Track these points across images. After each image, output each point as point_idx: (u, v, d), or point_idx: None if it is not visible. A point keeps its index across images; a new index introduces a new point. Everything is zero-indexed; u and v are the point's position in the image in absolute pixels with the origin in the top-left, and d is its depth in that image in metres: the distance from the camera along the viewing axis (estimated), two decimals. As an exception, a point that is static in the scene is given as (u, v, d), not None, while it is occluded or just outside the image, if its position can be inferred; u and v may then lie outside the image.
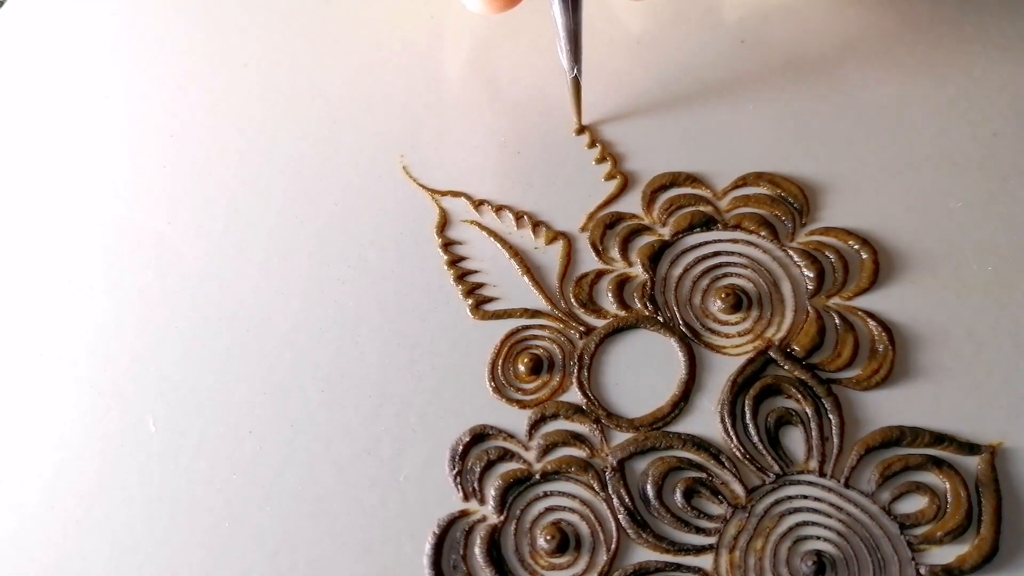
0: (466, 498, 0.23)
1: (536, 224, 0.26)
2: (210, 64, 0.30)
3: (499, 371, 0.24)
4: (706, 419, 0.23)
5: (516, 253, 0.26)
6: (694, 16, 0.29)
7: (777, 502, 0.22)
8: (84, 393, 0.25)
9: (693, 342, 0.24)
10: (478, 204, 0.26)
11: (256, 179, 0.27)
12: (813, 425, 0.23)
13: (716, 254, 0.25)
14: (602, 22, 0.30)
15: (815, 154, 0.26)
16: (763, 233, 0.25)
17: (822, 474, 0.22)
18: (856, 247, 0.25)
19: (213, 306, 0.26)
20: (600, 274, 0.25)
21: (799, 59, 0.28)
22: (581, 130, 0.27)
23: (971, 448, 0.22)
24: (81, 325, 0.26)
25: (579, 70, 0.25)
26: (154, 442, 0.24)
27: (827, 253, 0.25)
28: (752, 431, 0.23)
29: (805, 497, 0.22)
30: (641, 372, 0.24)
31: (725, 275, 0.25)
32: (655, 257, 0.25)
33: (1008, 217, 0.25)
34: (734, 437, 0.23)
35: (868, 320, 0.24)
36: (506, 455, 0.23)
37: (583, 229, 0.26)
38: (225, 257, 0.26)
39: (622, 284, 0.25)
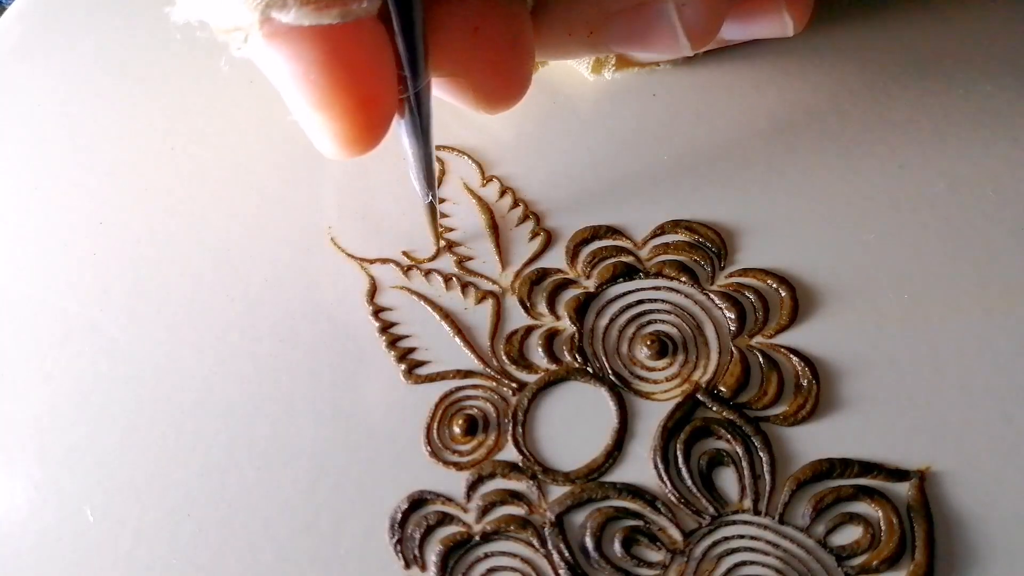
0: (407, 566, 0.23)
1: (465, 285, 0.27)
2: (137, 149, 0.30)
3: (435, 434, 0.24)
4: (640, 466, 0.24)
5: (447, 315, 0.26)
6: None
7: (715, 544, 0.22)
8: (20, 488, 0.25)
9: (623, 390, 0.24)
10: (407, 269, 0.27)
11: (187, 261, 0.28)
12: (744, 464, 0.23)
13: (640, 302, 0.26)
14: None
15: (729, 199, 0.27)
16: (684, 279, 0.26)
17: (757, 512, 0.23)
18: (775, 286, 0.26)
19: (147, 390, 0.26)
20: (530, 329, 0.26)
21: (708, 108, 0.29)
22: (438, 251, 0.27)
23: (900, 475, 0.23)
24: (15, 418, 0.26)
25: (434, 196, 0.25)
26: (92, 532, 0.24)
27: (747, 293, 0.26)
28: (685, 474, 0.23)
29: (742, 537, 0.22)
30: (574, 424, 0.24)
31: (650, 322, 0.25)
32: (581, 309, 0.26)
33: (919, 246, 0.26)
34: (668, 482, 0.23)
35: (791, 356, 0.25)
36: (445, 519, 0.23)
37: (511, 287, 0.26)
38: (158, 341, 0.26)
39: (551, 338, 0.25)
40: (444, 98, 0.25)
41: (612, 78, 0.30)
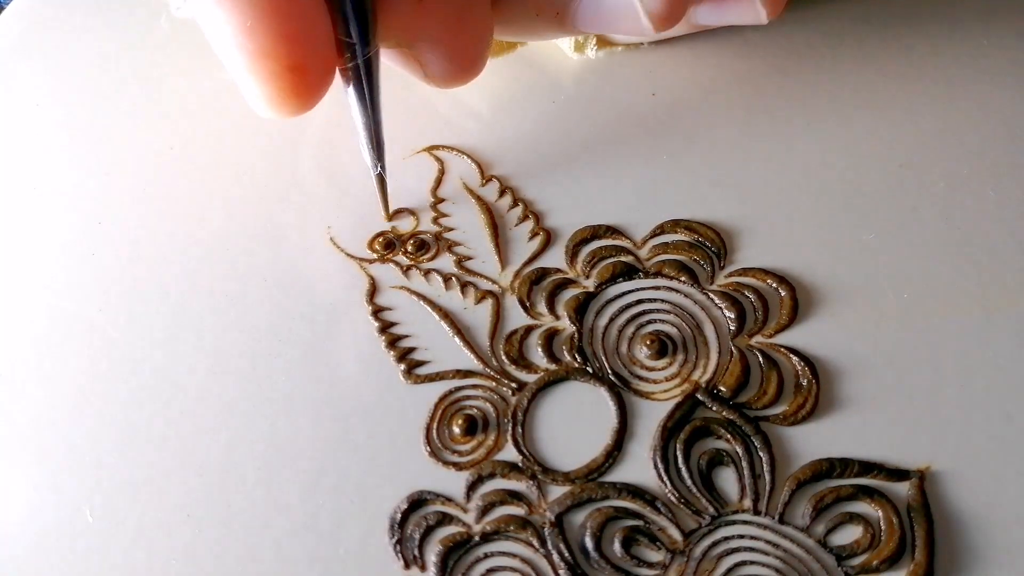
0: (407, 566, 0.23)
1: (464, 284, 0.26)
2: (136, 149, 0.30)
3: (434, 435, 0.24)
4: (640, 466, 0.23)
5: (446, 315, 0.26)
6: (605, 72, 0.30)
7: (714, 544, 0.22)
8: (19, 488, 0.24)
9: (623, 390, 0.24)
10: (406, 269, 0.27)
11: (185, 260, 0.28)
12: (744, 464, 0.23)
13: (639, 302, 0.26)
14: (516, 87, 0.30)
15: (729, 198, 0.27)
16: (683, 278, 0.26)
17: (756, 512, 0.23)
18: (774, 285, 0.26)
19: (146, 390, 0.25)
20: (529, 329, 0.26)
21: (709, 107, 0.29)
22: (390, 218, 0.28)
23: (900, 474, 0.23)
24: (14, 418, 0.25)
25: (383, 167, 0.26)
26: (91, 533, 0.24)
27: (746, 293, 0.25)
28: (685, 474, 0.23)
29: (741, 537, 0.22)
30: (574, 424, 0.24)
31: (649, 322, 0.25)
32: (580, 309, 0.26)
33: (919, 245, 0.26)
34: (668, 482, 0.23)
35: (791, 356, 0.24)
36: (445, 519, 0.23)
37: (510, 287, 0.26)
38: (157, 340, 0.26)
39: (551, 338, 0.25)
40: (396, 68, 0.25)
41: (596, 57, 0.30)
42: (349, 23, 0.22)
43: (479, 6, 0.24)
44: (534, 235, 0.27)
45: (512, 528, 0.23)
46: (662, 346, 0.25)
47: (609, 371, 0.25)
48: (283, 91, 0.21)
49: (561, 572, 0.22)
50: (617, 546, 0.22)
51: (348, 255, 0.27)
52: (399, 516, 0.23)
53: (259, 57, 0.21)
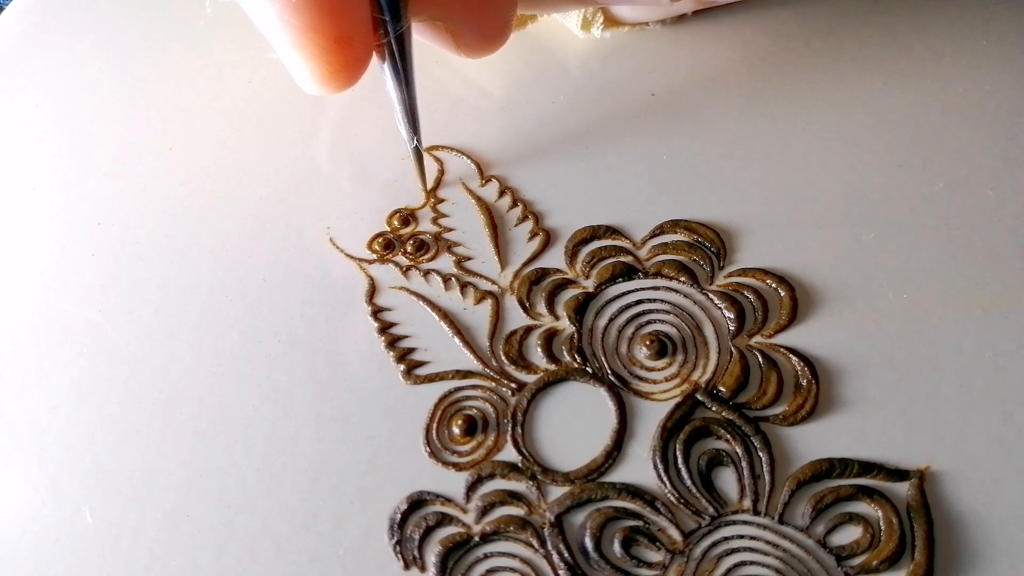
0: (407, 567, 0.23)
1: (464, 285, 0.26)
2: (136, 149, 0.30)
3: (434, 435, 0.24)
4: (640, 466, 0.23)
5: (446, 315, 0.26)
6: (605, 72, 0.30)
7: (714, 544, 0.22)
8: (19, 489, 0.24)
9: (622, 390, 0.24)
10: (406, 270, 0.27)
11: (184, 261, 0.28)
12: (744, 464, 0.23)
13: (639, 302, 0.26)
14: (515, 87, 0.30)
15: (728, 198, 0.27)
16: (683, 279, 0.26)
17: (756, 512, 0.23)
18: (774, 285, 0.26)
19: (146, 391, 0.26)
20: (529, 330, 0.26)
21: (708, 108, 0.29)
22: (428, 197, 0.28)
23: (900, 474, 0.23)
24: (14, 419, 0.25)
25: (419, 140, 0.26)
26: (91, 533, 0.24)
27: (746, 293, 0.25)
28: (685, 475, 0.23)
29: (741, 537, 0.22)
30: (574, 424, 0.24)
31: (649, 322, 0.25)
32: (580, 309, 0.26)
33: (918, 245, 0.26)
34: (667, 482, 0.23)
35: (790, 356, 0.24)
36: (444, 519, 0.23)
37: (510, 287, 0.26)
38: (156, 341, 0.26)
39: (550, 338, 0.25)
40: (425, 42, 0.26)
41: (602, 37, 0.31)
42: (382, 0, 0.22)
43: None
44: (534, 235, 0.27)
45: (512, 528, 0.23)
46: (662, 346, 0.25)
47: (609, 371, 0.25)
48: (330, 64, 0.22)
49: (561, 572, 0.22)
50: (617, 546, 0.22)
51: (348, 255, 0.27)
52: (399, 516, 0.23)
53: (306, 32, 0.21)
